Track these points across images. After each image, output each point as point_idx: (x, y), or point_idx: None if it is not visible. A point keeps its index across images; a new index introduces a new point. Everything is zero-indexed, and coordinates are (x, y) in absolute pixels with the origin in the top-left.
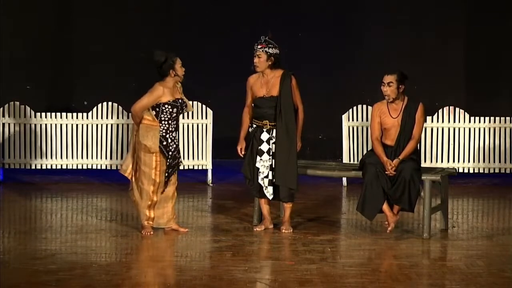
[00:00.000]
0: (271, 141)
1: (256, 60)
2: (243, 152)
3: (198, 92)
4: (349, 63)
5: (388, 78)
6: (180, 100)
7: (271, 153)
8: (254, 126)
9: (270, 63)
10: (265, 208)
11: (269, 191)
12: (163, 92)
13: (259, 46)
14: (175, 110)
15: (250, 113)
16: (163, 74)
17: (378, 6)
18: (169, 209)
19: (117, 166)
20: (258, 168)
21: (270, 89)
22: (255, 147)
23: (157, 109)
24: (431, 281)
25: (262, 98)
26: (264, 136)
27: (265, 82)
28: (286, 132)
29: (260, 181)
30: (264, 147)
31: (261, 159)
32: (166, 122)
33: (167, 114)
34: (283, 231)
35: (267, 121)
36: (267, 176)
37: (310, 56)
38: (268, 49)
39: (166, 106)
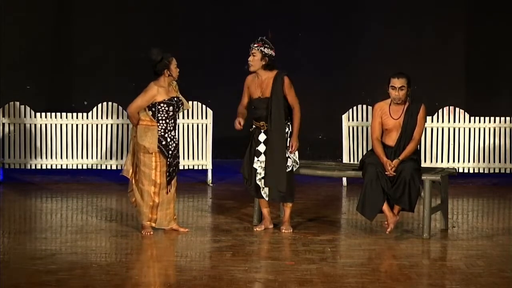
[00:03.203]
0: None
1: (250, 58)
2: (241, 124)
3: (198, 92)
4: (349, 63)
5: (400, 82)
6: (175, 98)
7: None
8: (253, 127)
9: (264, 63)
10: (265, 208)
11: (265, 192)
12: (158, 91)
13: (255, 45)
14: (171, 108)
15: (244, 110)
16: (157, 73)
17: (378, 6)
18: (171, 211)
19: (117, 166)
20: (256, 169)
21: (264, 90)
22: (254, 148)
23: (153, 109)
24: (431, 281)
25: (258, 99)
26: (261, 137)
27: (259, 83)
28: (275, 134)
29: (257, 181)
30: (261, 148)
31: (258, 160)
32: (163, 121)
33: (164, 113)
34: (283, 231)
35: (264, 122)
36: (264, 177)
37: (310, 56)
38: (264, 48)
39: (162, 105)
